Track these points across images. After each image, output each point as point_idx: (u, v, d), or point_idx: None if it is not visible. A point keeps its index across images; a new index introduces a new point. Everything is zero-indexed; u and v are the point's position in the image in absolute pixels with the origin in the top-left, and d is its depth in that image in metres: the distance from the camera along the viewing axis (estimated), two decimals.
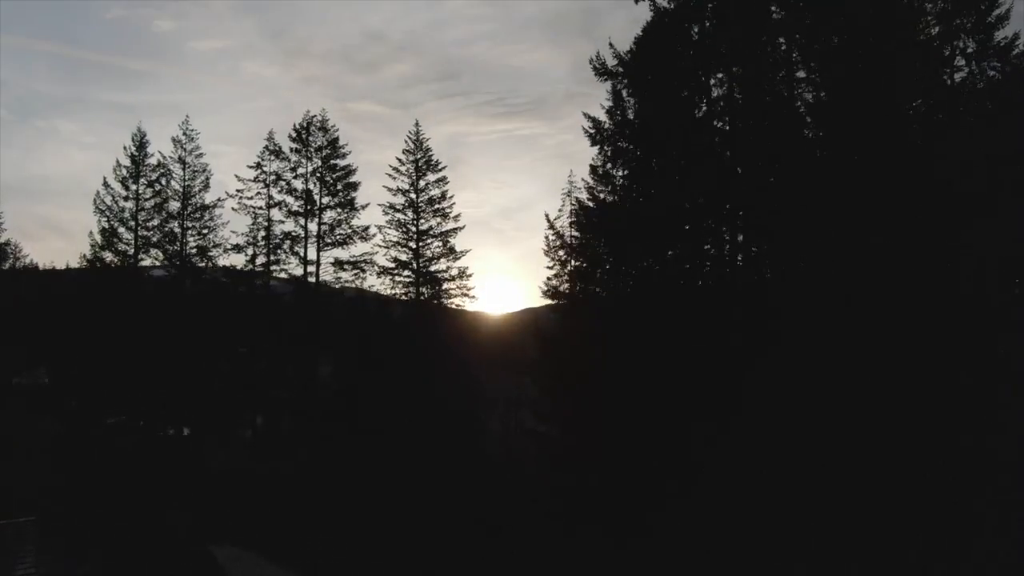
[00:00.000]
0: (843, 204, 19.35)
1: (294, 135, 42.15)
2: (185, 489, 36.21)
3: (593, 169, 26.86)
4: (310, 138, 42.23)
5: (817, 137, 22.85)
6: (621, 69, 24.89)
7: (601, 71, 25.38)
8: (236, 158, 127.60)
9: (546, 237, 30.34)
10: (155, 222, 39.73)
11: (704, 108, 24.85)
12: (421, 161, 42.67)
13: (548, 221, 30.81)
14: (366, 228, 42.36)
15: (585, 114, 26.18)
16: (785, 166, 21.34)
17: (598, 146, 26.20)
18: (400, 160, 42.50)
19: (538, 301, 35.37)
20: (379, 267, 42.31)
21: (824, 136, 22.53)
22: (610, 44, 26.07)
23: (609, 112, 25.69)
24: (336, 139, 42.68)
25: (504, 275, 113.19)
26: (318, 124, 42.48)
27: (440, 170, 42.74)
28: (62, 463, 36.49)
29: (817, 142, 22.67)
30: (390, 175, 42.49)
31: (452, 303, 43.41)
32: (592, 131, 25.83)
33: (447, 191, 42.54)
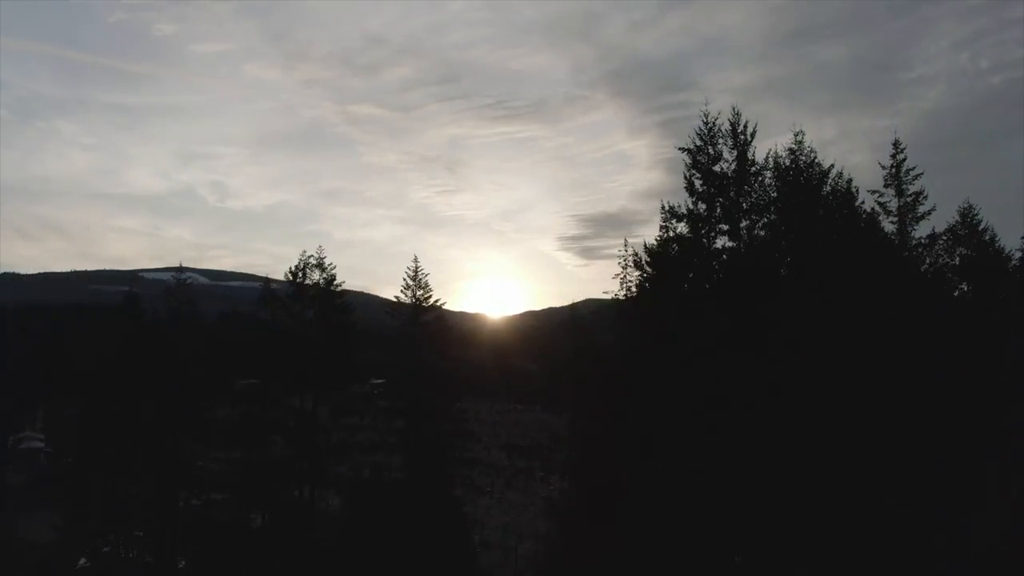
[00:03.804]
0: None
1: (290, 276, 41.43)
2: None
3: None
4: (306, 280, 41.50)
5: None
6: None
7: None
8: (236, 159, 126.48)
9: None
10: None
11: None
12: (421, 297, 42.16)
13: None
14: (365, 375, 41.93)
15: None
16: None
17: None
18: (397, 298, 42.01)
19: (539, 304, 39.43)
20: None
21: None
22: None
23: None
24: (333, 277, 41.83)
25: (504, 276, 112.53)
26: (315, 263, 41.77)
27: (440, 307, 42.25)
28: None
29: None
30: (388, 313, 42.10)
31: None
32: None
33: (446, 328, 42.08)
